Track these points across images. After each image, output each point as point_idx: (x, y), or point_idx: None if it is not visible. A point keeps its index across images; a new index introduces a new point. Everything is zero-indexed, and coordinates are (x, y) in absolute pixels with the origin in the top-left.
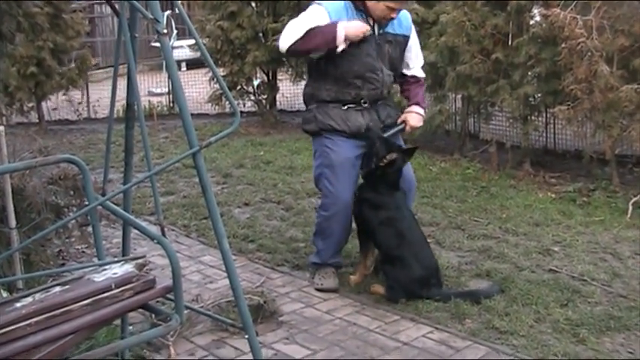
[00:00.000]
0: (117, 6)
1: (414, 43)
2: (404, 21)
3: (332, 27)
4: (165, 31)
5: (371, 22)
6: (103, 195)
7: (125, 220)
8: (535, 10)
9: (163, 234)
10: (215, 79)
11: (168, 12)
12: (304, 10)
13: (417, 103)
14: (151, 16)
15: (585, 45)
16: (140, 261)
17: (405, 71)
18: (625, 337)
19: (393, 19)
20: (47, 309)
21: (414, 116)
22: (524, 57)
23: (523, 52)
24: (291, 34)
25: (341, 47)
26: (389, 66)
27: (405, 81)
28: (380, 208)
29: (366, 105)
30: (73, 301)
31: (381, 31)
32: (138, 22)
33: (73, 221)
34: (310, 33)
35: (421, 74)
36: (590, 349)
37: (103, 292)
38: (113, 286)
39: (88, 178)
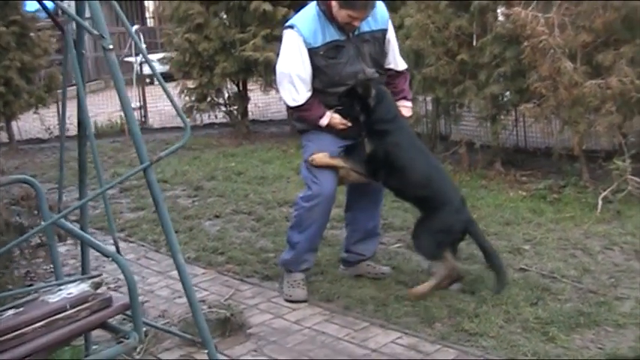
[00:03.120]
0: (65, 27)
1: (392, 35)
2: (379, 15)
3: (318, 118)
4: (111, 46)
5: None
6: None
7: (79, 239)
8: (499, 10)
9: (118, 251)
10: (185, 91)
11: (136, 26)
12: (272, 22)
13: (404, 97)
14: (96, 33)
15: (548, 42)
16: (96, 280)
17: (387, 65)
18: (595, 333)
19: (356, 27)
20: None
21: (403, 109)
22: (489, 57)
23: (487, 52)
24: (291, 94)
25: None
26: (371, 64)
27: (389, 75)
28: (395, 149)
29: None
30: (26, 324)
31: (356, 33)
32: (85, 39)
33: (38, 241)
34: (305, 105)
35: (404, 66)
36: (559, 347)
37: (58, 313)
38: (68, 307)
39: (43, 197)
